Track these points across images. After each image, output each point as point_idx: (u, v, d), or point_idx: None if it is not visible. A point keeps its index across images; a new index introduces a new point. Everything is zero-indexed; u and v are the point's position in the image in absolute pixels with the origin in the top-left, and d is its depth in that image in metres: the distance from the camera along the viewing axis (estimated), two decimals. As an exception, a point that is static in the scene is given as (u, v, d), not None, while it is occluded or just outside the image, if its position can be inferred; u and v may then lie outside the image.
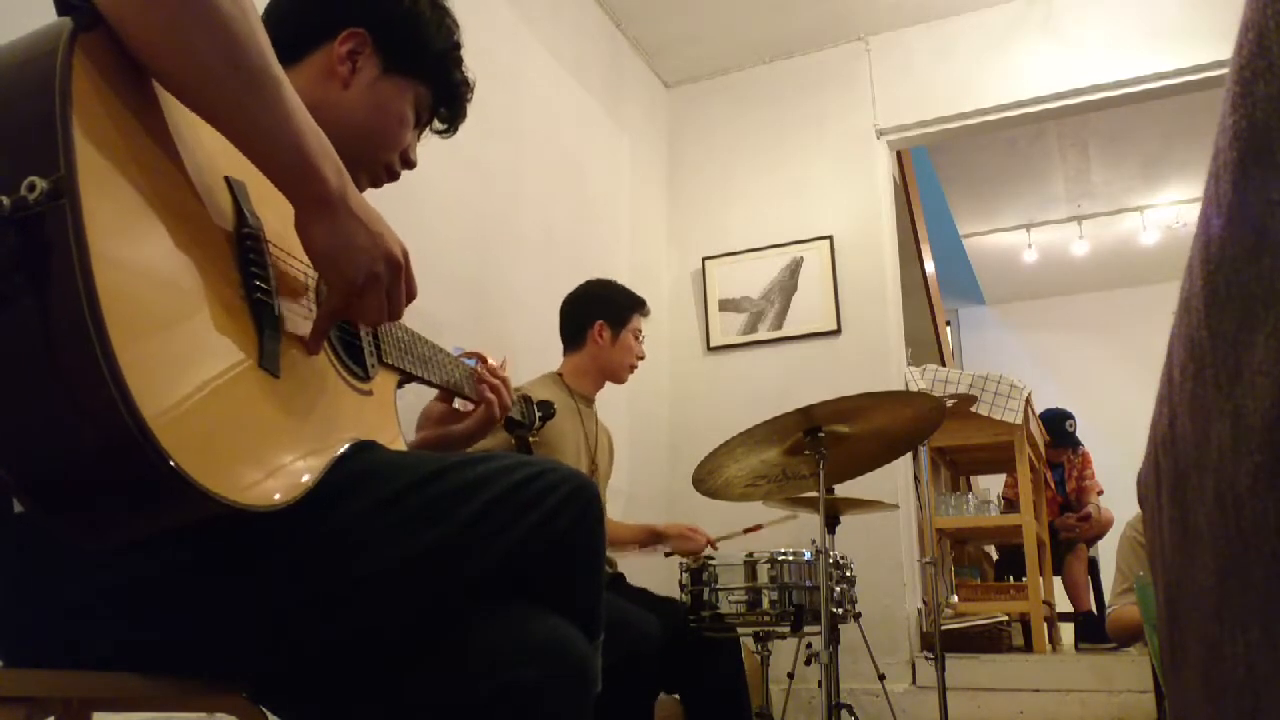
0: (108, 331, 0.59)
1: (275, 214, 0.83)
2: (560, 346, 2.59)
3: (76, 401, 0.60)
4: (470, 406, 1.30)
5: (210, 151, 0.78)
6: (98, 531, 0.68)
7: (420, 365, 1.14)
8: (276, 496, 0.72)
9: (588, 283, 2.61)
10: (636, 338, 2.54)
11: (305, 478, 0.77)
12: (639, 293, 2.61)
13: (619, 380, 2.57)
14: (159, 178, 0.72)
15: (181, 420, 0.64)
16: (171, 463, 0.62)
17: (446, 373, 1.21)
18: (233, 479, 0.68)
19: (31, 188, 0.60)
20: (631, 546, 2.61)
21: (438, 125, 1.18)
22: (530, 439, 1.46)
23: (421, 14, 1.11)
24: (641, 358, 2.57)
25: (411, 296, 0.90)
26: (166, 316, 0.67)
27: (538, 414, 1.47)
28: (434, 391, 1.26)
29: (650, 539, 2.60)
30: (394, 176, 1.14)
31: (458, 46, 1.15)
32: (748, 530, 2.55)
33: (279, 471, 0.75)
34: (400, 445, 1.00)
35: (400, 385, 1.10)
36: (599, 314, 2.50)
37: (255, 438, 0.74)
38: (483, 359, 1.32)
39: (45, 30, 0.66)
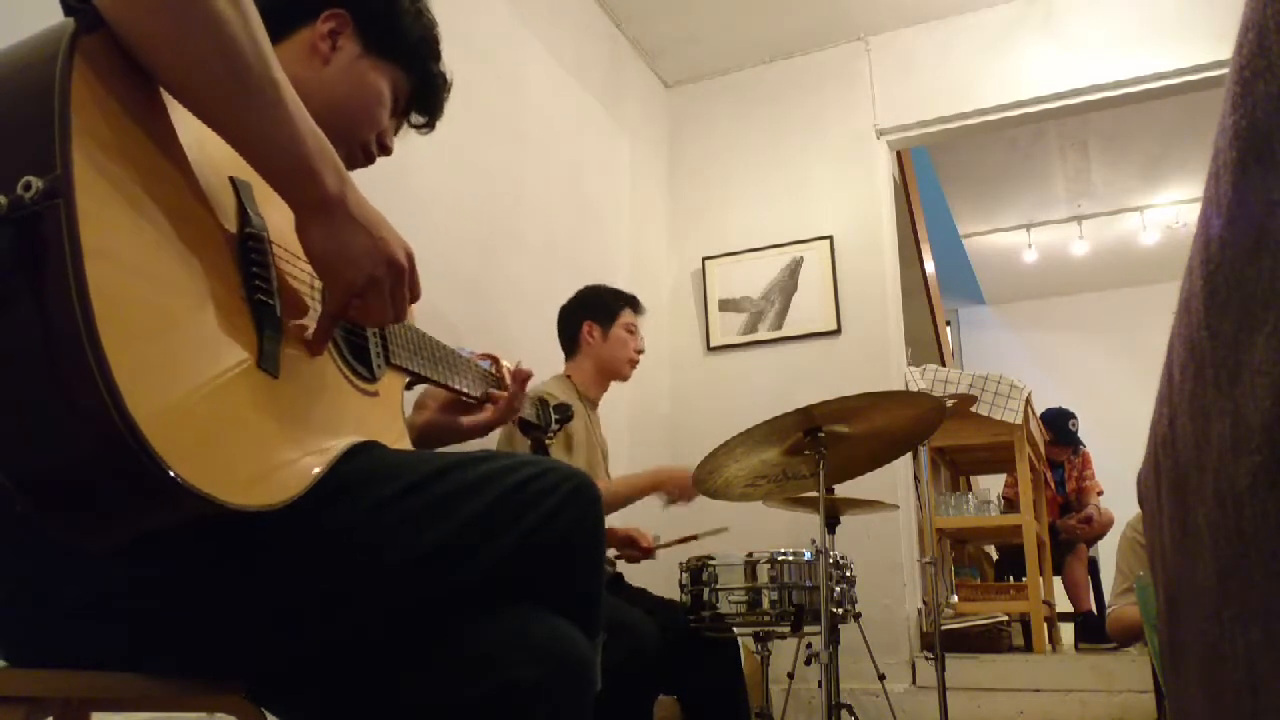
0: (99, 332, 0.59)
1: (280, 214, 0.83)
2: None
3: (71, 404, 0.60)
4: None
5: (214, 152, 0.78)
6: (94, 532, 0.67)
7: (430, 366, 1.13)
8: (275, 497, 0.72)
9: (577, 291, 2.65)
10: (630, 332, 2.56)
11: (304, 478, 0.77)
12: (639, 292, 2.64)
13: (622, 377, 2.58)
14: (158, 178, 0.71)
15: (175, 422, 0.64)
16: (171, 472, 0.62)
17: (459, 374, 1.20)
18: (228, 480, 0.68)
19: (27, 186, 0.60)
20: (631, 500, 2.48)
21: (416, 119, 1.19)
22: (546, 441, 1.45)
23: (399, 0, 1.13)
24: (640, 351, 2.59)
25: (415, 297, 0.90)
26: (162, 316, 0.67)
27: (554, 417, 1.46)
28: None
29: (648, 486, 2.45)
30: (370, 159, 1.15)
31: (436, 39, 1.16)
32: (684, 539, 2.53)
33: (276, 472, 0.74)
34: (406, 447, 1.00)
35: (409, 386, 1.10)
36: (586, 315, 2.55)
37: (252, 438, 0.73)
38: (496, 360, 1.31)
39: (47, 32, 0.66)
